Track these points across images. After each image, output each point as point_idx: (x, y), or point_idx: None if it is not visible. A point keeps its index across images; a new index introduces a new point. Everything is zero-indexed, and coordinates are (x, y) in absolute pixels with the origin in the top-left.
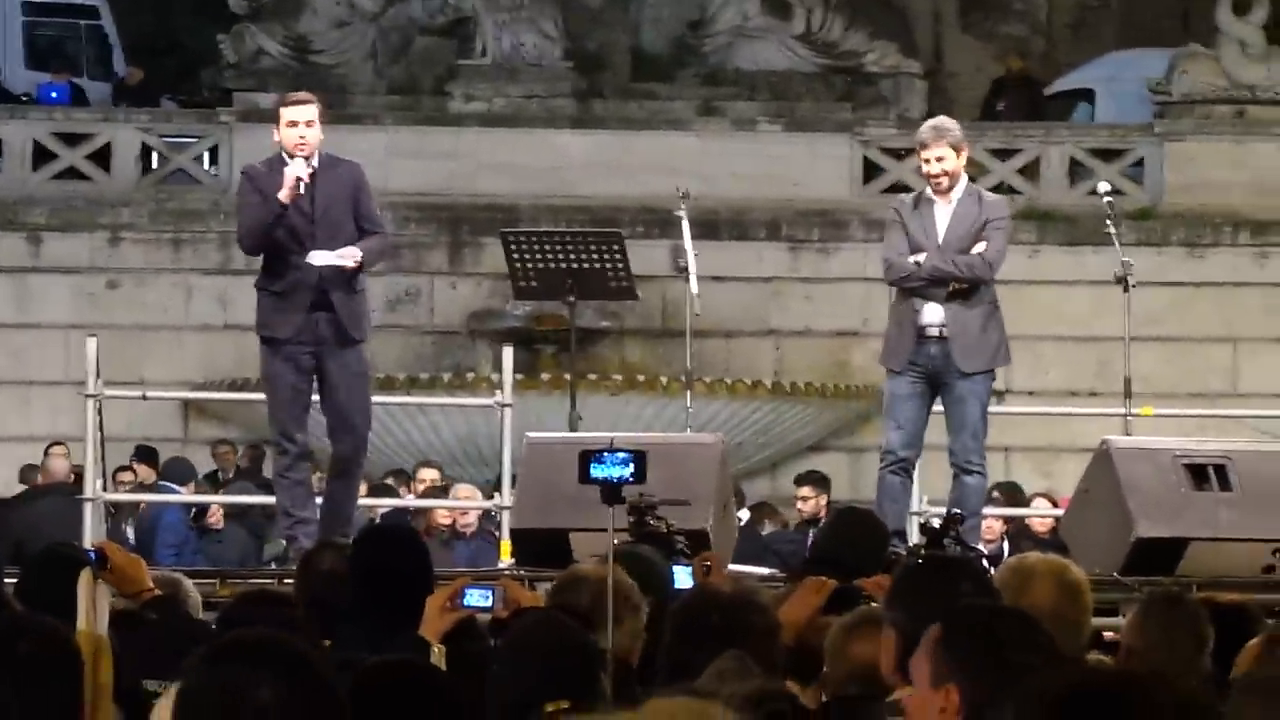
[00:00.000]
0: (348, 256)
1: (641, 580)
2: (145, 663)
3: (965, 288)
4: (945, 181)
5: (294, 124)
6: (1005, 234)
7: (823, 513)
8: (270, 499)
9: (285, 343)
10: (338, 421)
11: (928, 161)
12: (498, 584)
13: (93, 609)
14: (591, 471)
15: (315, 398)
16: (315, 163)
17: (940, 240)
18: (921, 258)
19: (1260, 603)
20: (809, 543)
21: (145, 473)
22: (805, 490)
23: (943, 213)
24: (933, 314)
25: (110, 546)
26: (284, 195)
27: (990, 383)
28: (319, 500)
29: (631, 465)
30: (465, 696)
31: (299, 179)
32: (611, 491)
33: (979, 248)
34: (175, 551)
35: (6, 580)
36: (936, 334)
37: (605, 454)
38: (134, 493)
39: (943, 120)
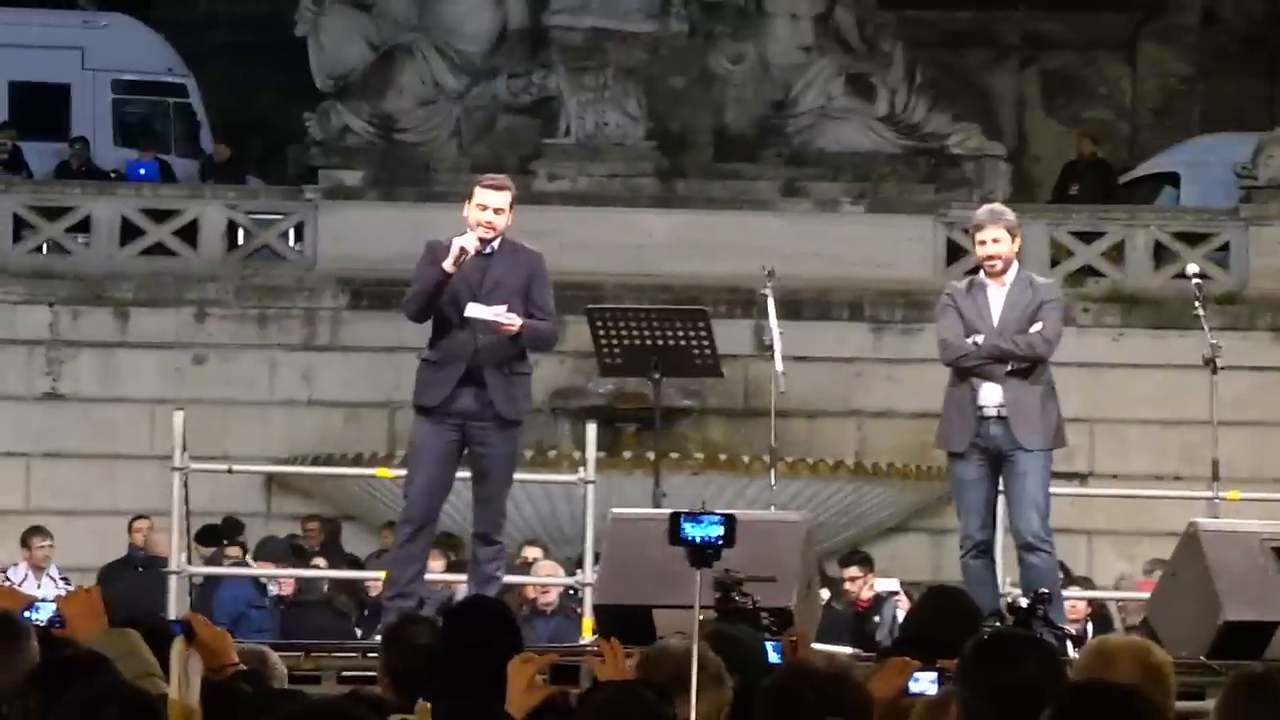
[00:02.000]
0: (504, 317)
1: (733, 656)
2: None
3: (1024, 367)
4: (999, 264)
5: (484, 207)
6: (1060, 314)
7: (867, 591)
8: (352, 574)
9: (433, 411)
10: (475, 498)
11: (983, 244)
12: (584, 660)
13: (185, 679)
14: (683, 531)
15: (464, 474)
16: (496, 245)
17: (996, 322)
18: (979, 338)
19: None
20: (897, 622)
21: (234, 552)
22: (852, 570)
23: (996, 295)
24: (991, 394)
25: (197, 619)
26: (447, 264)
27: (1050, 462)
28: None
29: (723, 528)
30: None
31: (463, 249)
32: (700, 554)
33: (1036, 327)
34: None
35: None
36: (995, 414)
37: (698, 515)
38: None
39: (998, 205)
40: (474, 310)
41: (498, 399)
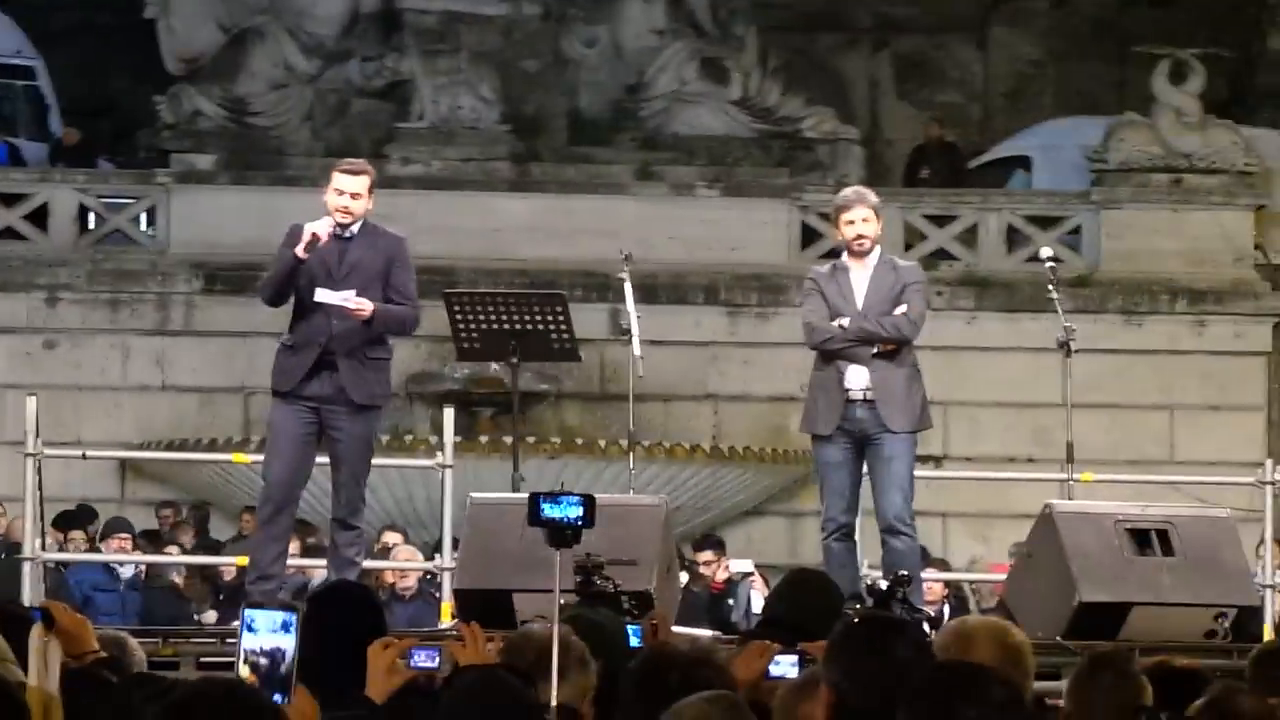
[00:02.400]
0: (353, 301)
1: (594, 640)
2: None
3: (890, 350)
4: (868, 244)
5: (341, 191)
6: (923, 296)
7: (721, 574)
8: (215, 560)
9: (287, 395)
10: (333, 484)
11: (851, 224)
12: (442, 644)
13: (44, 666)
14: (542, 512)
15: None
16: (355, 229)
17: (860, 305)
18: (845, 321)
19: (1202, 668)
20: (752, 605)
21: (77, 535)
22: (706, 555)
23: (860, 278)
24: (858, 377)
25: (56, 607)
26: (299, 249)
27: (915, 445)
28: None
29: (582, 509)
30: None
31: (315, 235)
32: (559, 535)
33: (900, 309)
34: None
35: None
36: (862, 397)
37: (557, 496)
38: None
39: (861, 187)
40: (323, 295)
41: (349, 384)
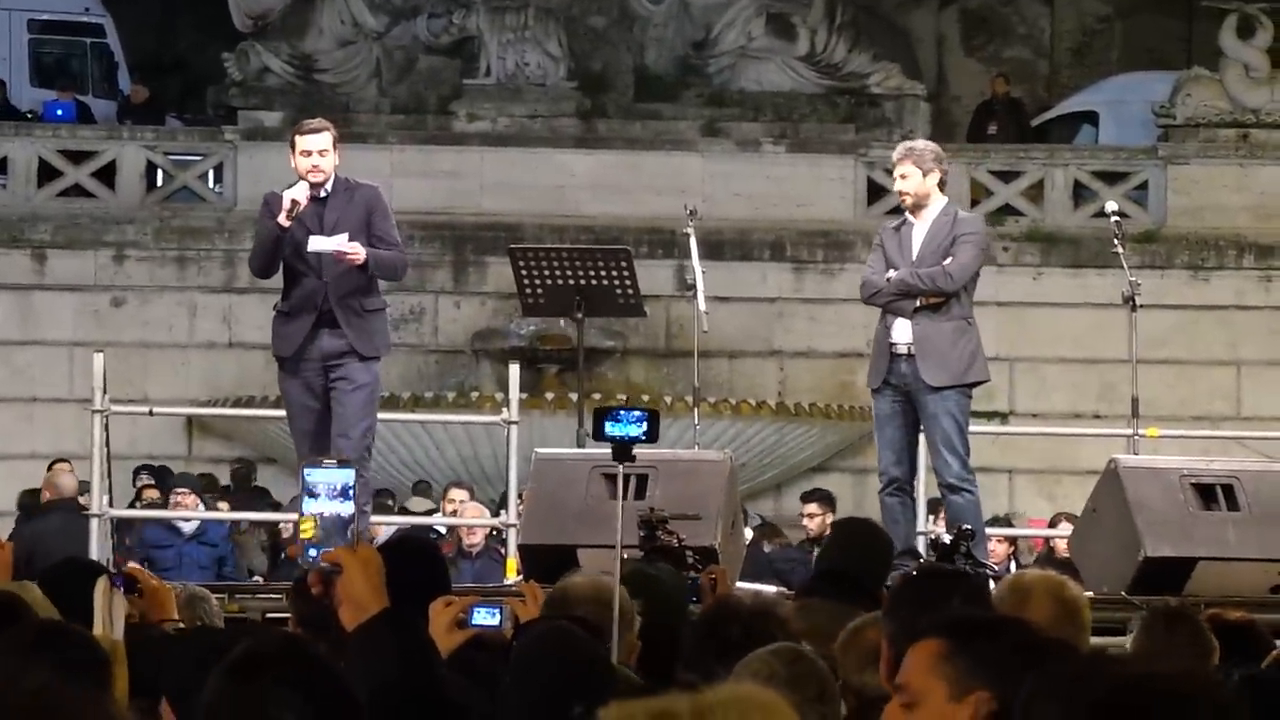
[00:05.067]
0: (347, 247)
1: (652, 595)
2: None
3: (934, 303)
4: (910, 200)
5: (307, 153)
6: (974, 247)
7: (827, 531)
8: (267, 515)
9: (290, 360)
10: (336, 431)
11: (897, 179)
12: (504, 602)
13: (108, 616)
14: (606, 429)
15: None
16: (329, 188)
17: (914, 258)
18: (893, 274)
19: (1266, 622)
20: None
21: (151, 494)
22: (811, 508)
23: (919, 232)
24: (902, 331)
25: (141, 572)
26: (281, 218)
27: (965, 400)
28: None
29: (646, 425)
30: (476, 710)
31: (295, 201)
32: (623, 449)
33: (946, 261)
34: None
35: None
36: (905, 351)
37: (621, 410)
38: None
39: (911, 141)
40: (316, 244)
41: (354, 337)
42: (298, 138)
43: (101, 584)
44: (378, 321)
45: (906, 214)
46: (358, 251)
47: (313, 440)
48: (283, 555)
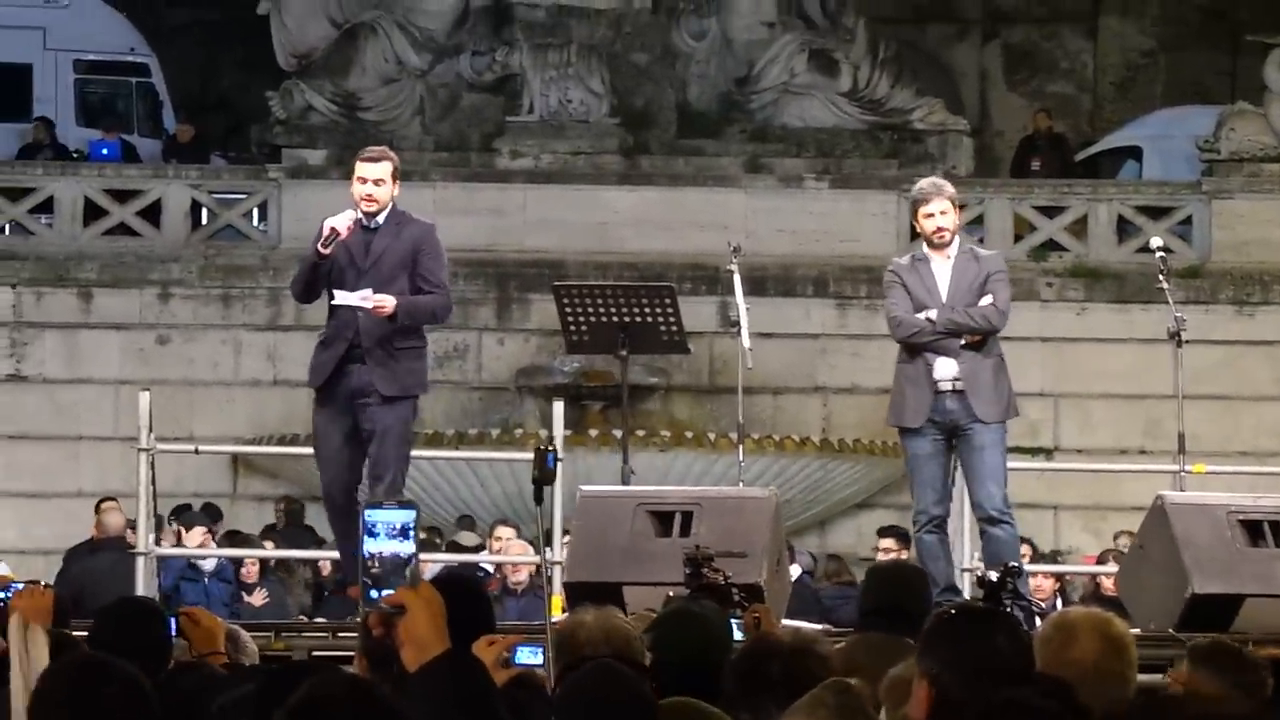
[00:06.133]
0: (371, 300)
1: (696, 633)
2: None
3: (976, 340)
4: (948, 235)
5: (364, 180)
6: (1008, 285)
7: None
8: (309, 554)
9: (320, 391)
10: (370, 474)
11: (930, 216)
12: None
13: (24, 652)
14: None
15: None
16: (381, 219)
17: (944, 297)
18: (932, 314)
19: None
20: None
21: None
22: (888, 543)
23: (942, 269)
24: (947, 368)
25: (196, 611)
26: (320, 245)
27: (1006, 434)
28: None
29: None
30: None
31: (334, 229)
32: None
33: (986, 299)
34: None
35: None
36: (951, 388)
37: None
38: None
39: (938, 178)
40: (341, 298)
41: (378, 377)
42: (358, 164)
43: (15, 621)
44: (411, 360)
45: (924, 250)
46: (383, 304)
47: (340, 477)
48: (326, 593)
